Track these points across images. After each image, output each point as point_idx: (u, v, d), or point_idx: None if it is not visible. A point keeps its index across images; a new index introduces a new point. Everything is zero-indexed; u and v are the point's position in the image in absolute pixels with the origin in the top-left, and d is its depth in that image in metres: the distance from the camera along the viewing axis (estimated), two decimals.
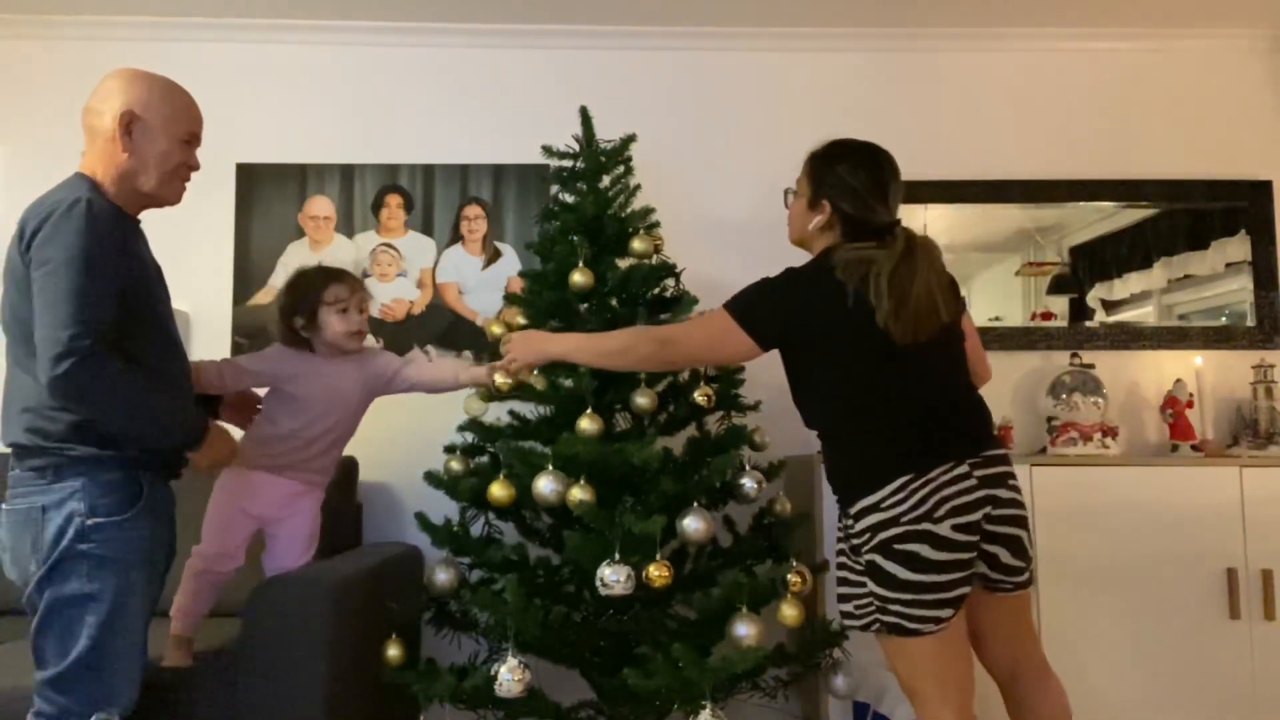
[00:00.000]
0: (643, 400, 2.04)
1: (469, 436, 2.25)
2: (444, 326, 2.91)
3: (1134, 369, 2.94)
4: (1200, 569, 2.41)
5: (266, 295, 2.85)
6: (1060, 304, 2.98)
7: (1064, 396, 2.78)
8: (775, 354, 1.76)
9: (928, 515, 1.58)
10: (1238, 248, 2.96)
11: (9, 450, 1.61)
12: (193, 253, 2.84)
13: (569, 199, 2.36)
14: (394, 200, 2.94)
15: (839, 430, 1.73)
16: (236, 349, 2.82)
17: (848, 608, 1.76)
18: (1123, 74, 3.05)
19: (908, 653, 1.65)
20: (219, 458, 1.75)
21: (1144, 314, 2.98)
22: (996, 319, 2.95)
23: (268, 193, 2.91)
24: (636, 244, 2.20)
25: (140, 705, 1.62)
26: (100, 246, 1.52)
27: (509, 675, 1.77)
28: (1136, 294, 2.98)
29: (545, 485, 1.89)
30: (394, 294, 2.91)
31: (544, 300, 2.23)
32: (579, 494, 1.87)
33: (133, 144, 1.63)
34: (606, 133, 2.35)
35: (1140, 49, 3.05)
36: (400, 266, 2.92)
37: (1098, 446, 2.64)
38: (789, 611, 1.90)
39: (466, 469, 2.19)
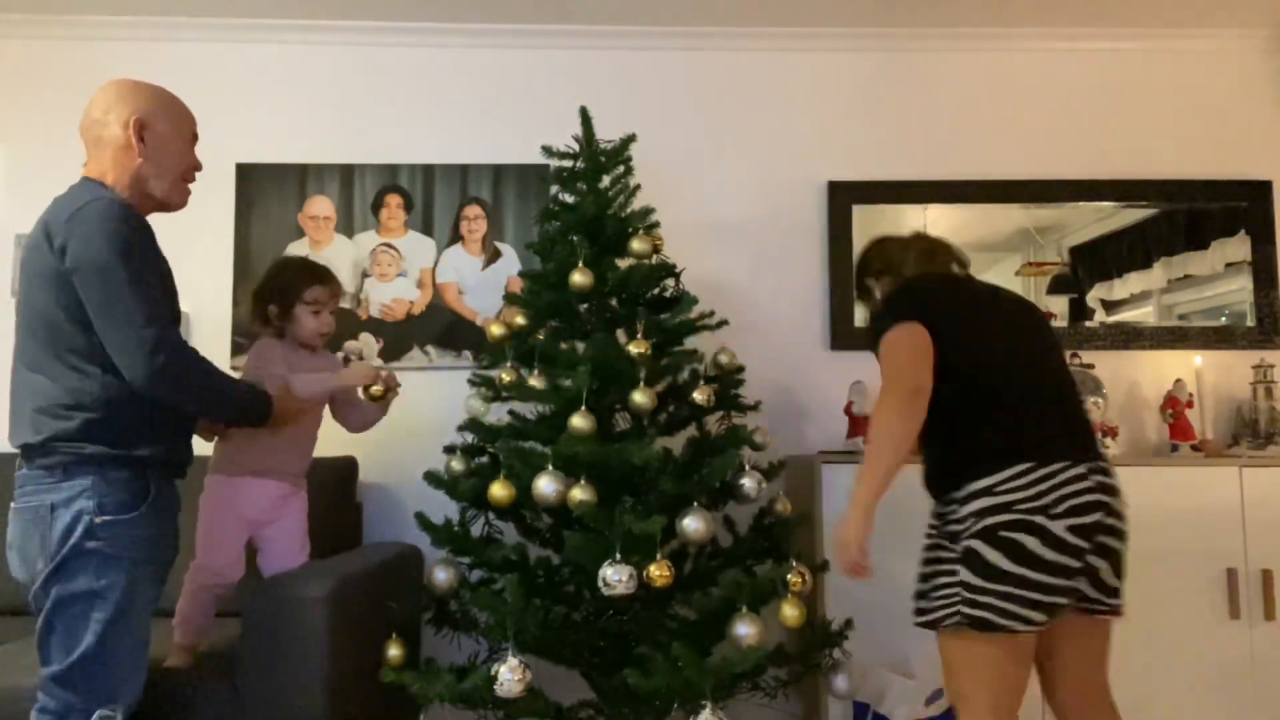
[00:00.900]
0: (642, 400, 2.04)
1: (469, 436, 2.26)
2: (444, 327, 2.91)
3: (1134, 369, 2.94)
4: (1200, 569, 2.41)
5: None
6: (1060, 304, 2.97)
7: None
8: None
9: (1044, 509, 1.54)
10: (1237, 248, 2.96)
11: (17, 451, 1.61)
12: (193, 253, 2.84)
13: (569, 199, 2.36)
14: (394, 200, 2.94)
15: (958, 411, 1.65)
16: (236, 349, 2.81)
17: (923, 603, 1.67)
18: (1123, 74, 3.05)
19: (973, 655, 1.58)
20: (292, 411, 1.93)
21: (1144, 314, 2.98)
22: None
23: (267, 193, 2.91)
24: (636, 244, 2.20)
25: (142, 703, 1.63)
26: (142, 243, 1.58)
27: (509, 675, 1.77)
28: (1136, 294, 2.98)
29: (545, 485, 1.89)
30: (394, 294, 2.91)
31: (544, 300, 2.23)
32: (579, 494, 1.87)
33: (146, 149, 1.66)
34: (606, 133, 2.35)
35: (1140, 49, 3.05)
36: (400, 266, 2.92)
37: None
38: (789, 611, 1.91)
39: (467, 469, 2.20)
